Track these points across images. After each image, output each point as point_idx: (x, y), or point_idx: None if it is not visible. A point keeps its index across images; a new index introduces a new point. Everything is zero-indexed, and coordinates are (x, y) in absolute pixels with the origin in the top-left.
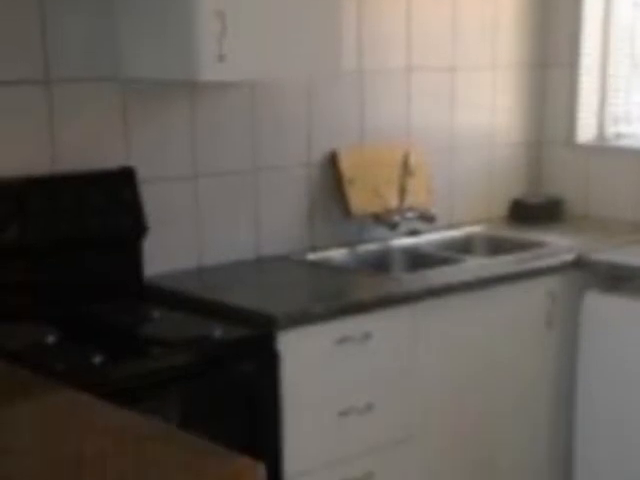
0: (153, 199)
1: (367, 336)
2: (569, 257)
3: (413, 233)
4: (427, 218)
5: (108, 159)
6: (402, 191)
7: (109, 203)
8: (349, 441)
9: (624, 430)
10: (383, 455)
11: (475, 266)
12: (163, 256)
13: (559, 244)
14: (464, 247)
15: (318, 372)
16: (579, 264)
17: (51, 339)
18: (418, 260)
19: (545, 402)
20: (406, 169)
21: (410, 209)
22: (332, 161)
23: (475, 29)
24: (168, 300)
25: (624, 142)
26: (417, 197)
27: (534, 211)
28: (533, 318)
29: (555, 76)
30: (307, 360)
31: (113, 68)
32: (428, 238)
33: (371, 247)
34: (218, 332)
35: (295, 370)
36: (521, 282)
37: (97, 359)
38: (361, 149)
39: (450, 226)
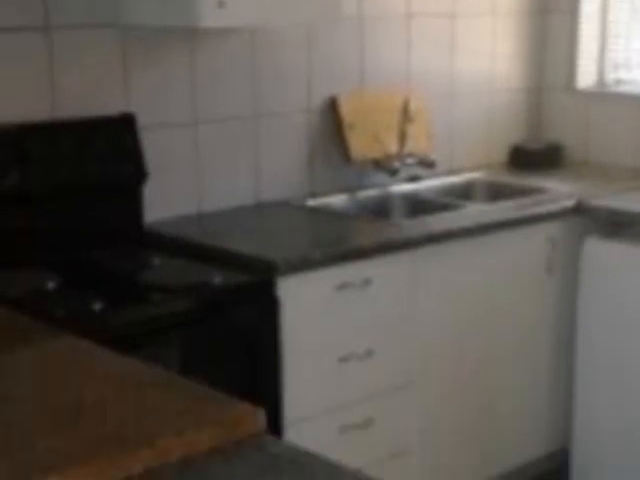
0: (153, 146)
1: (367, 282)
2: (569, 203)
3: (413, 179)
4: (427, 164)
5: (108, 106)
6: (402, 137)
7: (109, 149)
8: (349, 387)
9: (624, 376)
10: (383, 401)
11: (475, 212)
12: (163, 202)
13: (559, 190)
14: (464, 193)
15: (318, 318)
16: (579, 210)
17: (51, 285)
18: (418, 206)
19: (545, 348)
20: (406, 115)
21: (410, 155)
22: (332, 107)
23: None
24: (168, 246)
25: (624, 88)
26: (417, 143)
27: (534, 157)
28: (533, 264)
29: (555, 22)
30: (307, 306)
31: (113, 15)
32: (428, 184)
33: (371, 193)
34: (218, 278)
35: (295, 316)
36: (521, 228)
37: (97, 305)
38: (361, 95)
39: (450, 172)
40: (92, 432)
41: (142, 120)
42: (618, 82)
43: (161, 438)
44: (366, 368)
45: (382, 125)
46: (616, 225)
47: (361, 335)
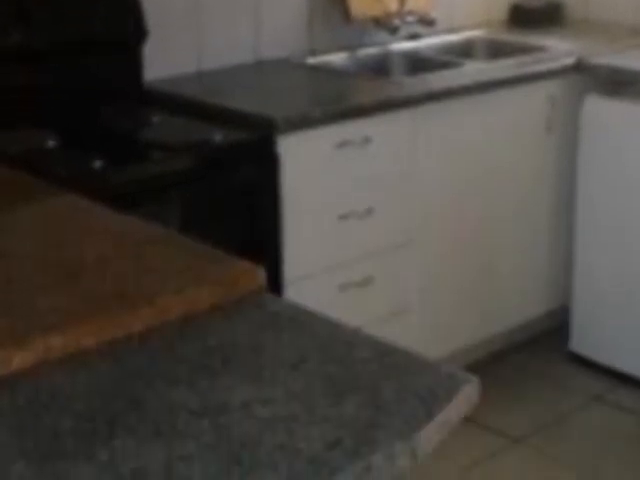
0: (153, 3)
1: (367, 140)
2: (569, 61)
3: (413, 37)
4: (427, 22)
5: None
6: None
7: (109, 7)
8: (349, 245)
9: (624, 236)
10: (383, 259)
11: (475, 70)
12: (163, 60)
13: (559, 48)
14: (464, 51)
15: (318, 176)
16: (579, 68)
17: (52, 144)
18: (418, 64)
19: (545, 206)
20: None
21: (410, 13)
22: None
23: None
24: (168, 105)
25: None
26: (417, 1)
27: (534, 15)
28: (533, 122)
29: None
30: (307, 164)
31: None
32: (428, 42)
33: (371, 51)
34: (218, 136)
35: (295, 174)
36: (521, 86)
37: (97, 164)
38: None
39: (450, 30)
40: (92, 290)
41: None
42: None
43: (161, 296)
44: (366, 226)
45: None
46: (616, 83)
47: (361, 193)
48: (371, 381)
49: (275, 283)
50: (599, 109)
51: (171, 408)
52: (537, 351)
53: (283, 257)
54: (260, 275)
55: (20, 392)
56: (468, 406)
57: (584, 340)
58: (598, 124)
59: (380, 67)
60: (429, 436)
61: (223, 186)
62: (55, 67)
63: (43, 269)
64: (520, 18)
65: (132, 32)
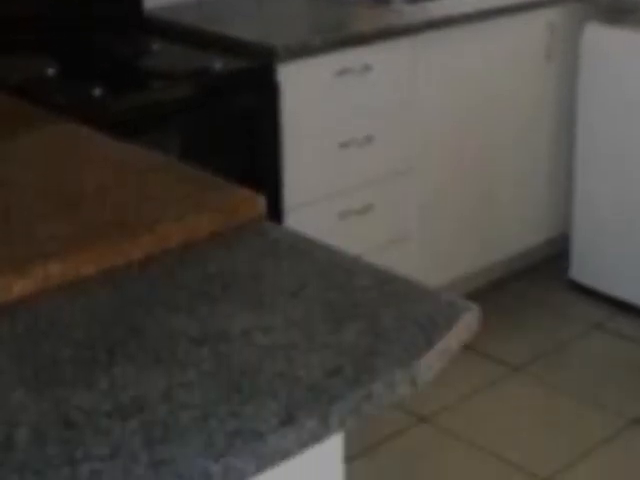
0: None
1: (367, 68)
2: None
3: None
4: None
5: None
6: None
7: None
8: (349, 173)
9: (624, 164)
10: (383, 187)
11: None
12: None
13: None
14: None
15: (318, 104)
16: None
17: (51, 72)
18: None
19: (545, 134)
20: None
21: None
22: None
23: None
24: (168, 32)
25: None
26: None
27: None
28: (533, 50)
29: None
30: (307, 92)
31: None
32: None
33: None
34: (218, 64)
35: (295, 102)
36: (521, 14)
37: (97, 92)
38: None
39: None
40: (92, 218)
41: None
42: None
43: (161, 224)
44: (366, 154)
45: None
46: (616, 11)
47: (361, 121)
48: (371, 309)
49: (275, 210)
50: (599, 37)
51: (171, 335)
52: (537, 279)
53: (283, 184)
54: (260, 203)
55: (20, 320)
56: (468, 334)
57: (584, 268)
58: (598, 52)
59: None
60: (429, 364)
61: (223, 114)
62: None
63: (43, 197)
64: None
65: None
